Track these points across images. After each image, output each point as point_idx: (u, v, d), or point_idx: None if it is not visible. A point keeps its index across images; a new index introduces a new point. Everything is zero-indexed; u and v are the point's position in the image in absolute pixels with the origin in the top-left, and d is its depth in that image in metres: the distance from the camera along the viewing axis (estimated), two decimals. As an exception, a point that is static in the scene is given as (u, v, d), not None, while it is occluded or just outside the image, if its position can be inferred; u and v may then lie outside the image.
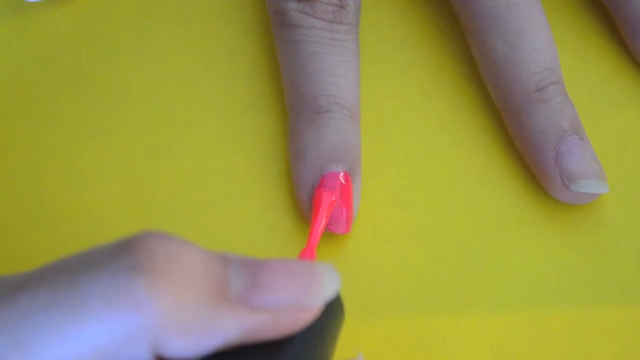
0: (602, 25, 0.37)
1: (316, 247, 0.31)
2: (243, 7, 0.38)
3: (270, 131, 0.35)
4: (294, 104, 0.34)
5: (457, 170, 0.34)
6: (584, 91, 0.35)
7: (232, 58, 0.36)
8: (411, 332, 0.31)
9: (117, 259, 0.21)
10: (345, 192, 0.32)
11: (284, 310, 0.23)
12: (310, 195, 0.32)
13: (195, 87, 0.36)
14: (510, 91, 0.33)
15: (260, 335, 0.23)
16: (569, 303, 0.32)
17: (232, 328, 0.22)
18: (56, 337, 0.21)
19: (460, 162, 0.34)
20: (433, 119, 0.35)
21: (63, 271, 0.21)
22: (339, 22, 0.34)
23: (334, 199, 0.31)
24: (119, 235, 0.33)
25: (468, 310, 0.31)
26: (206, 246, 0.33)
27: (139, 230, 0.23)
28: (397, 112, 0.35)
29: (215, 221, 0.33)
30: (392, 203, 0.33)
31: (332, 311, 0.25)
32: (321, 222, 0.31)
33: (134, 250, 0.22)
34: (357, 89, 0.34)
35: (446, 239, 0.33)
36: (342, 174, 0.32)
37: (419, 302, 0.32)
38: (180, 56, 0.37)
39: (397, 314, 0.31)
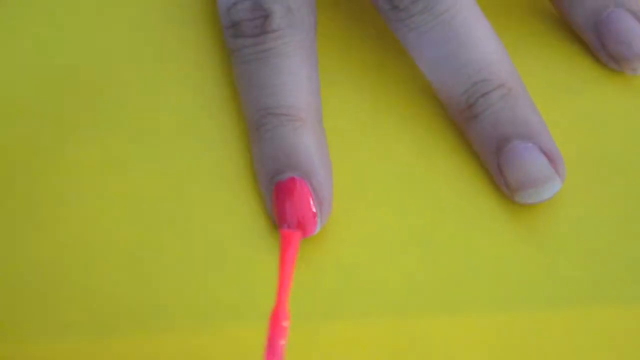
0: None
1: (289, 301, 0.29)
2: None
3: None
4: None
5: (450, 172, 0.34)
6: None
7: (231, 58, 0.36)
8: (406, 335, 0.31)
9: None
10: (301, 194, 0.32)
11: None
12: (272, 211, 0.32)
13: (194, 88, 0.36)
14: (450, 112, 0.34)
15: None
16: (567, 304, 0.32)
17: None
18: None
19: (454, 164, 0.34)
20: (424, 122, 0.35)
21: None
22: (265, 32, 0.34)
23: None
24: (117, 235, 0.32)
25: (465, 312, 0.31)
26: (204, 246, 0.32)
27: None
28: (388, 115, 0.35)
29: (213, 221, 0.33)
30: (384, 206, 0.33)
31: None
32: (289, 272, 0.27)
33: None
34: (294, 89, 0.34)
35: (440, 241, 0.33)
36: (289, 180, 0.32)
37: (414, 304, 0.31)
38: (180, 56, 0.37)
39: (393, 316, 0.31)
